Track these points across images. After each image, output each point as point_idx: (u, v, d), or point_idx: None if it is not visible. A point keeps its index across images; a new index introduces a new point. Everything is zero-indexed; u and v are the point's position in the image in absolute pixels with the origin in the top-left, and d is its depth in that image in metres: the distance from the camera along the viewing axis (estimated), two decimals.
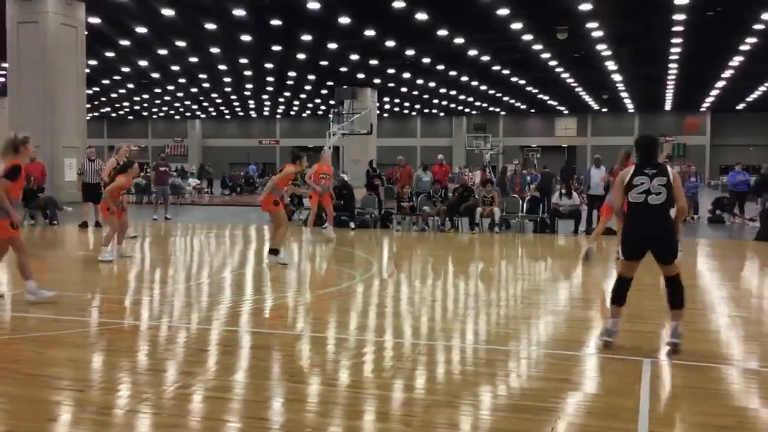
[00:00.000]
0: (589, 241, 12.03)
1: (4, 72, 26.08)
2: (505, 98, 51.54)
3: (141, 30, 26.80)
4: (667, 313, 6.38)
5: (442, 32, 26.82)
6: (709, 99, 49.52)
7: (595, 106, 56.98)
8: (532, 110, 60.27)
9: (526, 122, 63.27)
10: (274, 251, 11.28)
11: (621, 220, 6.46)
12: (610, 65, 35.00)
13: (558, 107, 57.72)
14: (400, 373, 5.51)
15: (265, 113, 65.29)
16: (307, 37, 28.29)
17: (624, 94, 48.44)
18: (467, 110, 60.62)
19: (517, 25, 25.66)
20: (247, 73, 39.39)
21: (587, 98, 51.21)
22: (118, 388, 5.09)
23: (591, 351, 6.27)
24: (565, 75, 38.80)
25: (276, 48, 30.89)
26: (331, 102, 34.93)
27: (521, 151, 56.03)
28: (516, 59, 33.22)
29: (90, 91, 37.48)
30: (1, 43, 21.39)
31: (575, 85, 43.38)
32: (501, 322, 7.61)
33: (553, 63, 34.43)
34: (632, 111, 59.22)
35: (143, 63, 35.68)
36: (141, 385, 5.16)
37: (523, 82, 42.04)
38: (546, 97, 50.85)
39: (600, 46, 29.94)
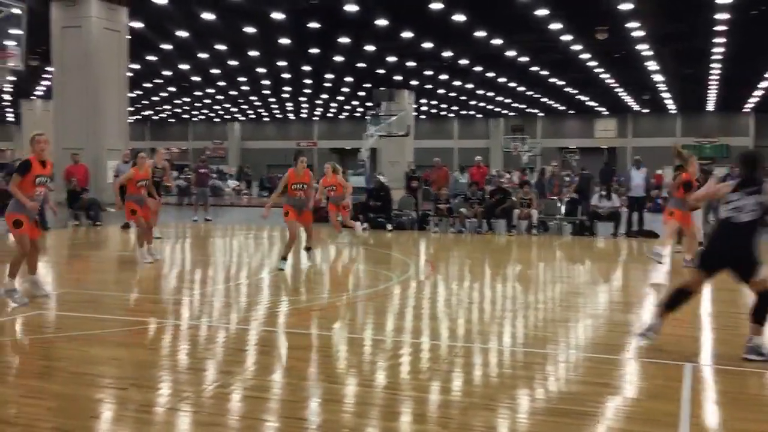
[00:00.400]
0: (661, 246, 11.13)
1: (49, 76, 26.66)
2: (543, 99, 51.09)
3: (182, 34, 27.18)
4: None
5: (480, 33, 26.70)
6: (753, 99, 48.47)
7: (636, 107, 56.15)
8: (571, 111, 59.62)
9: (565, 123, 62.62)
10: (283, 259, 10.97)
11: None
12: (652, 65, 34.49)
13: (597, 108, 57.01)
14: (437, 375, 5.50)
15: (303, 115, 65.69)
16: (344, 40, 28.41)
17: (665, 95, 47.68)
18: (505, 112, 60.22)
19: (556, 26, 25.44)
20: (285, 75, 39.69)
21: (627, 99, 50.51)
22: (159, 386, 5.17)
23: (631, 355, 6.19)
24: (605, 75, 38.34)
25: (314, 51, 31.07)
26: (369, 104, 35.01)
27: (559, 152, 55.48)
28: (555, 60, 32.92)
29: (132, 95, 38.12)
30: (46, 48, 21.87)
31: (615, 85, 42.82)
32: (539, 324, 7.56)
33: (592, 63, 34.05)
34: (674, 112, 58.23)
35: (184, 66, 36.18)
36: (181, 383, 5.24)
37: (561, 82, 41.64)
38: (585, 98, 50.29)
39: (641, 46, 29.52)
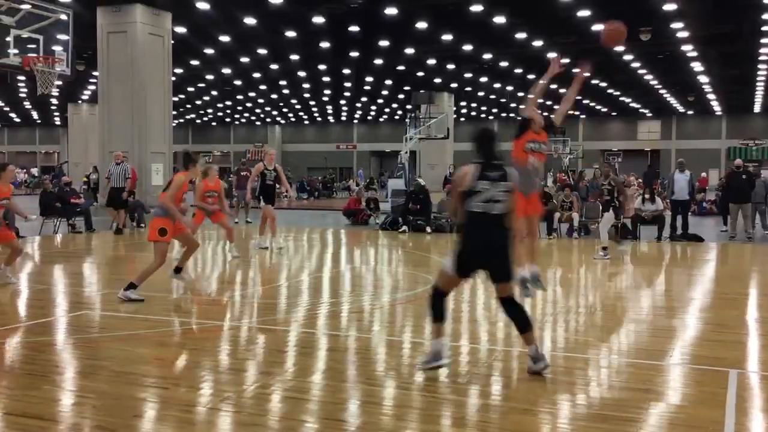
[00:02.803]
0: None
1: (95, 80, 27.22)
2: (585, 101, 50.53)
3: (224, 39, 27.53)
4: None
5: (521, 35, 26.53)
6: None
7: (681, 109, 55.19)
8: (614, 113, 58.86)
9: (607, 125, 61.84)
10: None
11: None
12: (697, 66, 33.88)
13: (641, 110, 56.19)
14: (476, 379, 5.47)
15: (343, 118, 66.00)
16: (384, 43, 28.47)
17: (711, 96, 46.79)
18: (545, 114, 59.75)
19: (598, 27, 25.15)
20: (326, 79, 39.92)
21: (672, 100, 49.67)
22: (201, 386, 5.24)
23: (675, 361, 6.08)
24: (648, 77, 37.77)
25: (354, 54, 31.20)
26: (408, 107, 34.99)
27: (601, 155, 54.81)
28: (597, 61, 32.55)
29: (176, 99, 38.69)
30: (92, 53, 22.32)
31: (659, 87, 42.16)
32: (580, 329, 7.47)
33: (636, 65, 33.59)
34: (719, 113, 57.11)
35: (226, 71, 36.62)
36: (222, 383, 5.30)
37: (604, 84, 41.14)
38: (628, 100, 49.60)
39: (686, 47, 29.02)
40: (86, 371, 5.60)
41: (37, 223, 16.70)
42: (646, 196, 17.22)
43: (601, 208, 13.84)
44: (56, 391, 5.14)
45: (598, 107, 54.44)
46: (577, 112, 58.74)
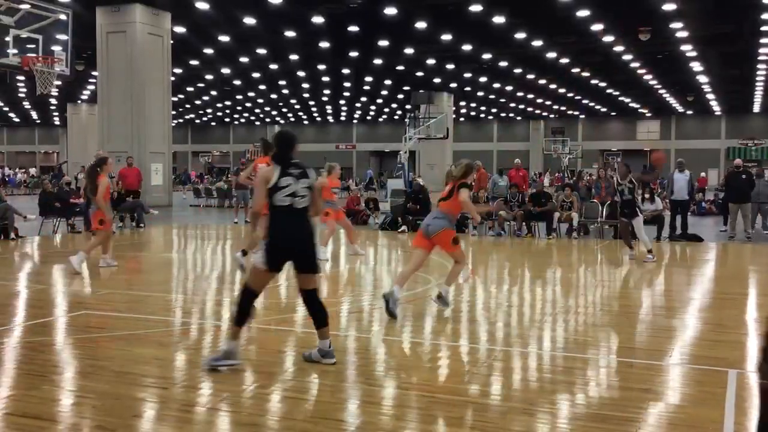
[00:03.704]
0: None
1: (94, 80, 27.21)
2: (585, 101, 50.55)
3: (224, 39, 27.52)
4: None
5: (520, 35, 26.54)
6: None
7: (680, 109, 55.22)
8: (613, 113, 58.89)
9: (607, 125, 61.87)
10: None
11: None
12: (696, 66, 33.90)
13: (640, 110, 56.22)
14: (476, 379, 5.47)
15: (342, 118, 66.03)
16: (384, 43, 28.48)
17: (710, 96, 46.81)
18: (545, 114, 59.75)
19: (597, 27, 25.16)
20: (325, 79, 39.93)
21: (671, 100, 49.71)
22: (200, 386, 5.23)
23: (674, 361, 6.08)
24: (648, 77, 37.79)
25: (353, 54, 31.20)
26: (407, 106, 35.04)
27: (601, 155, 54.85)
28: (596, 61, 32.57)
29: (175, 99, 38.70)
30: (91, 53, 22.32)
31: (658, 87, 42.18)
32: (579, 329, 7.47)
33: (635, 65, 33.60)
34: (719, 113, 57.15)
35: (226, 71, 36.62)
36: (222, 383, 5.29)
37: (603, 84, 41.16)
38: (627, 100, 49.63)
39: (685, 47, 29.04)
40: (86, 371, 5.59)
41: (36, 223, 16.71)
42: (646, 195, 17.22)
43: (620, 210, 13.38)
44: (56, 391, 5.14)
45: (597, 107, 54.49)
46: (576, 112, 58.78)
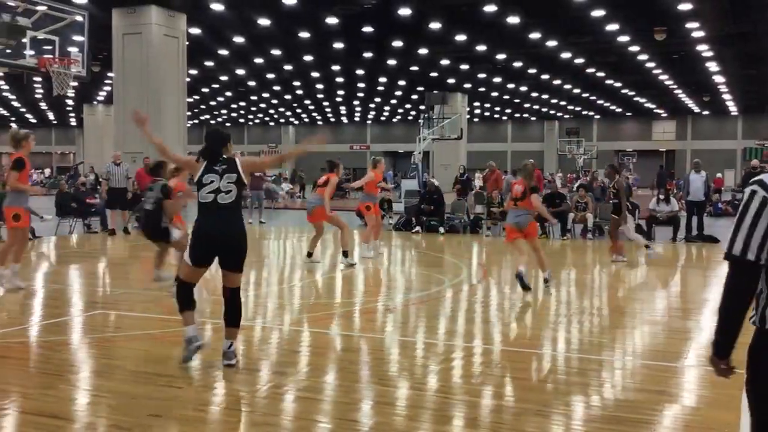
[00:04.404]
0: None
1: (110, 81, 27.37)
2: (600, 101, 50.31)
3: (238, 40, 27.61)
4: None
5: (535, 35, 26.45)
6: None
7: (696, 109, 54.83)
8: (628, 113, 58.55)
9: (622, 126, 61.53)
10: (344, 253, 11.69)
11: None
12: (712, 66, 33.64)
13: (656, 110, 55.87)
14: (489, 380, 5.47)
15: (356, 119, 66.05)
16: (398, 44, 28.46)
17: (727, 96, 46.44)
18: (559, 114, 59.51)
19: (613, 27, 25.03)
20: (339, 79, 39.97)
21: (687, 101, 49.36)
22: (215, 386, 5.26)
23: (690, 362, 6.05)
24: (663, 77, 37.54)
25: (367, 54, 31.22)
26: (422, 107, 34.99)
27: (616, 155, 54.55)
28: (611, 61, 32.40)
29: (190, 100, 38.88)
30: (107, 54, 22.46)
31: (674, 87, 41.90)
32: (594, 330, 7.44)
33: (650, 65, 33.39)
34: (735, 114, 56.68)
35: (240, 72, 36.74)
36: (236, 383, 5.32)
37: (618, 84, 40.94)
38: (643, 100, 49.33)
39: (701, 47, 28.82)
40: (102, 371, 5.63)
41: (52, 224, 16.83)
42: (661, 197, 17.13)
43: (612, 210, 13.65)
44: (72, 390, 5.18)
45: (612, 107, 54.20)
46: (591, 113, 58.52)
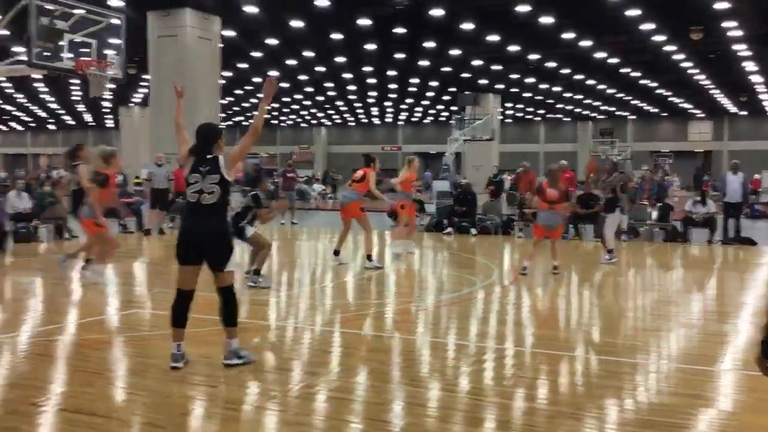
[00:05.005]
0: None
1: (146, 83, 27.74)
2: (634, 101, 49.70)
3: (271, 42, 27.81)
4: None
5: (569, 35, 26.23)
6: None
7: (733, 109, 53.90)
8: (664, 114, 57.75)
9: (657, 126, 60.68)
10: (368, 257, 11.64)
11: None
12: (749, 66, 33.06)
13: (692, 110, 55.03)
14: (522, 382, 5.44)
15: (388, 120, 66.05)
16: (430, 44, 28.42)
17: (764, 96, 45.59)
18: (593, 115, 58.89)
19: (648, 26, 24.72)
20: (371, 81, 40.04)
21: (724, 101, 48.55)
22: (247, 385, 5.31)
23: (726, 366, 5.95)
24: (700, 77, 36.97)
25: (399, 55, 31.22)
26: (453, 108, 34.87)
27: (651, 156, 53.85)
28: (647, 61, 32.01)
29: (224, 101, 39.23)
30: (143, 56, 22.76)
31: (711, 87, 41.24)
32: (628, 333, 7.36)
33: (686, 64, 32.91)
34: None
35: (273, 73, 37.00)
36: (268, 382, 5.36)
37: (653, 84, 40.41)
38: (679, 100, 48.63)
39: (738, 46, 28.34)
40: (137, 369, 5.72)
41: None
42: (697, 198, 16.88)
43: (606, 206, 13.54)
44: (109, 387, 5.26)
45: (647, 107, 53.52)
46: (625, 113, 57.85)
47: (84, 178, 9.96)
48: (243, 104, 52.53)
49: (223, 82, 26.33)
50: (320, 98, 49.58)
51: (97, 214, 9.32)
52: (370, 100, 51.40)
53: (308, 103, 53.10)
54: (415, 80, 39.65)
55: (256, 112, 5.80)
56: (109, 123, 61.43)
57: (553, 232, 11.10)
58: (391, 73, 36.83)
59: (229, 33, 24.66)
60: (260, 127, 5.93)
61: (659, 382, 5.54)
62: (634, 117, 60.10)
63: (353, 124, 69.50)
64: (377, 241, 14.01)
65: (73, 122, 64.66)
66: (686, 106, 52.20)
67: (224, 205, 5.63)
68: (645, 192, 19.22)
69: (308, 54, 31.15)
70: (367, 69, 35.83)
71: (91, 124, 65.94)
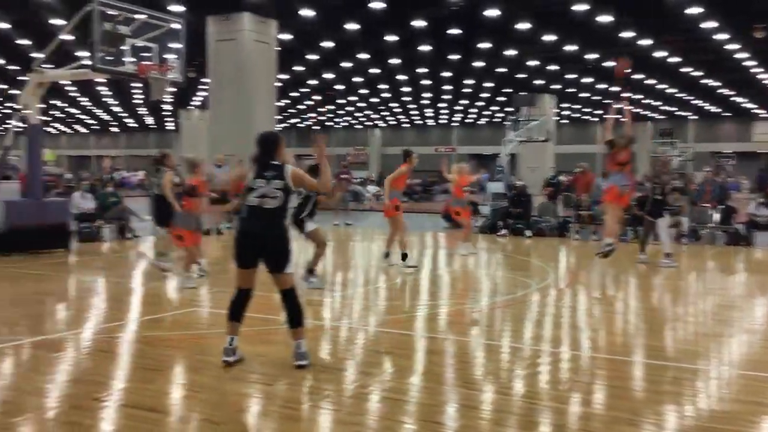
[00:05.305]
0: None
1: (205, 87, 28.27)
2: (695, 101, 48.52)
3: (327, 44, 28.05)
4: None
5: (627, 34, 25.78)
6: None
7: None
8: (726, 114, 56.23)
9: (719, 127, 59.09)
10: (403, 256, 11.58)
11: None
12: None
13: (755, 110, 53.44)
14: (578, 387, 5.36)
15: (442, 121, 65.91)
16: (485, 45, 28.27)
17: None
18: (652, 115, 57.69)
19: (709, 25, 24.12)
20: (425, 82, 40.01)
21: None
22: (302, 384, 5.36)
23: None
24: (763, 76, 35.90)
25: (454, 57, 31.13)
26: (508, 109, 34.59)
27: (713, 157, 52.49)
28: (708, 60, 31.22)
29: (280, 103, 39.71)
30: (202, 60, 23.21)
31: None
32: (688, 338, 7.19)
33: (750, 63, 32.00)
34: None
35: (328, 75, 37.28)
36: (323, 382, 5.41)
37: (715, 84, 39.39)
38: (742, 100, 47.29)
39: None
40: (195, 366, 5.83)
41: (150, 223, 17.52)
42: (761, 200, 16.39)
43: (648, 209, 13.15)
44: (167, 384, 5.39)
45: (708, 107, 52.18)
46: (686, 113, 56.51)
47: (167, 186, 10.10)
48: (298, 106, 53.08)
49: (279, 84, 26.65)
50: (374, 100, 49.77)
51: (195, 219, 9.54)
52: (424, 102, 51.36)
53: (363, 104, 53.37)
54: (470, 81, 39.48)
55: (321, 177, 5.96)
56: (170, 125, 62.81)
57: (624, 198, 10.87)
58: (446, 74, 36.75)
59: (286, 36, 24.97)
60: (330, 184, 6.22)
61: (720, 389, 5.40)
62: (696, 117, 58.66)
63: (407, 125, 69.52)
64: (416, 241, 13.98)
65: (135, 125, 66.31)
66: (750, 105, 50.75)
67: (284, 210, 5.74)
68: (707, 194, 18.71)
69: (363, 56, 31.31)
70: (422, 70, 35.82)
71: (152, 126, 67.53)
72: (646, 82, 38.33)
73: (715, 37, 26.20)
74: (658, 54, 29.95)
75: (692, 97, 46.51)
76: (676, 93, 43.89)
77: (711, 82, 38.96)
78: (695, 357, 6.30)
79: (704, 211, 17.30)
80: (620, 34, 25.82)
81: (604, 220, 11.54)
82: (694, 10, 22.19)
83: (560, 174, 29.71)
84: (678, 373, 5.78)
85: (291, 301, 5.74)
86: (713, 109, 53.04)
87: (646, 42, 27.54)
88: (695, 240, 16.81)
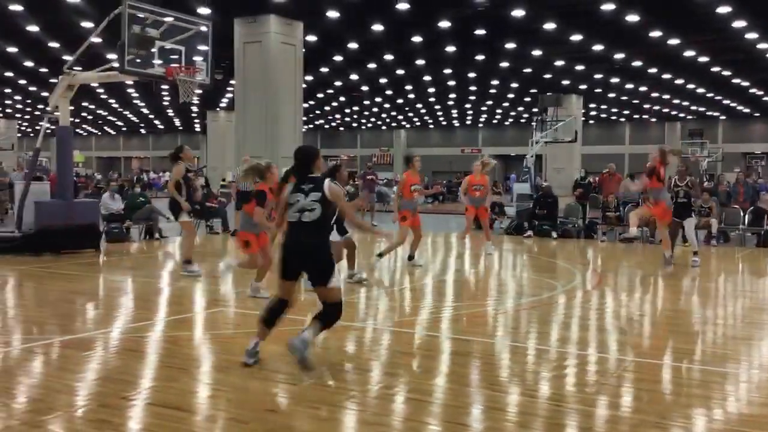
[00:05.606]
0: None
1: (232, 89, 28.49)
2: (725, 101, 47.87)
3: (352, 46, 28.10)
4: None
5: (656, 33, 25.51)
6: None
7: None
8: (757, 114, 55.40)
9: (749, 127, 58.22)
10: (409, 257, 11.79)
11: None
12: None
13: None
14: (605, 389, 5.32)
15: (467, 122, 65.72)
16: (510, 45, 28.14)
17: None
18: (681, 115, 57.00)
19: (739, 24, 23.80)
20: (451, 83, 39.93)
21: None
22: (328, 383, 5.38)
23: None
24: None
25: (479, 57, 31.03)
26: (534, 110, 34.38)
27: (743, 158, 51.75)
28: (738, 59, 30.80)
29: (306, 105, 39.88)
30: (229, 62, 23.38)
31: None
32: (718, 341, 7.10)
33: None
34: None
35: (354, 77, 37.37)
36: (348, 382, 5.42)
37: (746, 83, 38.83)
38: None
39: None
40: (221, 365, 5.88)
41: (178, 225, 17.69)
42: None
43: (674, 211, 12.67)
44: (194, 383, 5.43)
45: (739, 107, 51.45)
46: (715, 113, 55.78)
47: (175, 177, 10.21)
48: (324, 107, 53.26)
49: (305, 85, 26.76)
50: (400, 101, 49.76)
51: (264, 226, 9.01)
52: (450, 103, 51.26)
53: (388, 105, 53.38)
54: (495, 82, 39.32)
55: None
56: (197, 127, 63.34)
57: (669, 212, 11.72)
58: (471, 74, 36.65)
59: (311, 38, 25.08)
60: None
61: (750, 393, 5.33)
62: (725, 117, 57.89)
63: (432, 126, 69.43)
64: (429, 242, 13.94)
65: (163, 126, 66.97)
66: None
67: (326, 222, 5.79)
68: (739, 195, 18.45)
69: (388, 57, 31.33)
70: (447, 71, 35.77)
71: (179, 128, 68.18)
72: (675, 81, 37.91)
73: (745, 36, 25.86)
74: (687, 53, 29.61)
75: (721, 97, 45.92)
76: (705, 93, 43.36)
77: (741, 82, 38.46)
78: (724, 360, 6.22)
79: (734, 213, 17.06)
80: (648, 34, 25.58)
81: (660, 233, 12.53)
82: (724, 9, 21.92)
83: (589, 175, 29.48)
84: (706, 375, 5.72)
85: (332, 313, 5.71)
86: (743, 109, 52.32)
87: (674, 41, 27.24)
88: (725, 242, 16.59)
